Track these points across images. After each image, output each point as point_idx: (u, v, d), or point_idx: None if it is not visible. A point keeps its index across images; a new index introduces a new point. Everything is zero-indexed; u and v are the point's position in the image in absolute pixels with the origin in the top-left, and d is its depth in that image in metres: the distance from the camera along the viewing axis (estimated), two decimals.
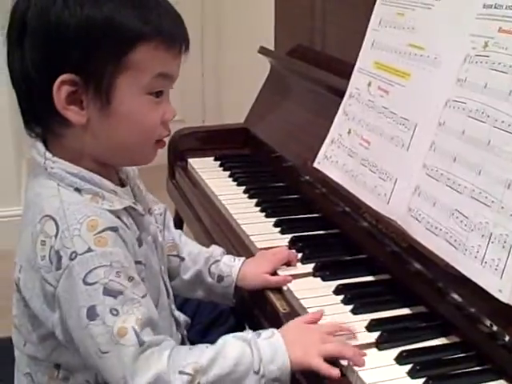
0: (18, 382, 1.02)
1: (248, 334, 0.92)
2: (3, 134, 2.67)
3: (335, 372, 0.89)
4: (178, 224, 1.64)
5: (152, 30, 0.89)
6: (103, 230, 0.87)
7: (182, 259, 1.18)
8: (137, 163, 1.01)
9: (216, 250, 1.21)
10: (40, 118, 0.92)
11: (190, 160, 1.74)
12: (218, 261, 1.18)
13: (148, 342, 0.85)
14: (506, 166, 0.89)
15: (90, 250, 0.86)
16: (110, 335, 0.84)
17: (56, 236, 0.87)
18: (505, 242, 0.87)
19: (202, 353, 0.88)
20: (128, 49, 0.88)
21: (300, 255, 1.21)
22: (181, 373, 0.85)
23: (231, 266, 1.17)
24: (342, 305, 1.05)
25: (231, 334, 0.92)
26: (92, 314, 0.85)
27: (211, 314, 1.27)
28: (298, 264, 1.19)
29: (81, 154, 0.93)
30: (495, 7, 0.99)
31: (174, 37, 0.93)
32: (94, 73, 0.88)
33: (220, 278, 1.16)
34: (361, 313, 1.02)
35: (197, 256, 1.18)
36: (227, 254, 1.21)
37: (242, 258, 1.19)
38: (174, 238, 1.20)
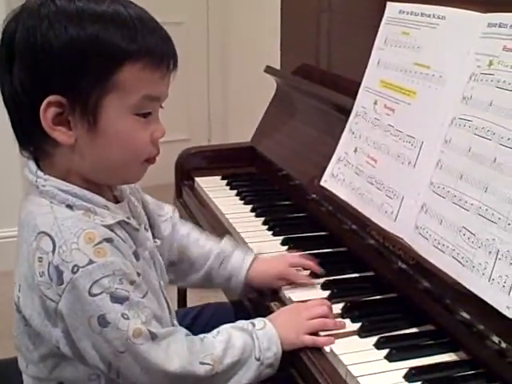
0: None
1: (243, 324, 1.01)
2: (11, 155, 2.68)
3: (323, 340, 1.00)
4: None
5: (138, 50, 0.89)
6: (100, 242, 0.89)
7: (192, 262, 1.20)
8: (125, 182, 1.02)
9: (227, 244, 1.22)
10: (31, 137, 0.93)
11: (197, 179, 1.75)
12: (228, 257, 1.19)
13: (160, 335, 0.91)
14: None
15: (91, 261, 0.87)
16: (125, 338, 0.88)
17: (53, 251, 0.87)
18: None
19: (213, 344, 0.96)
20: (113, 69, 0.88)
21: (307, 273, 1.21)
22: (202, 363, 0.93)
23: (239, 267, 1.19)
24: (349, 323, 1.04)
25: (229, 325, 1.01)
26: (103, 321, 0.87)
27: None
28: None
29: (70, 173, 0.93)
30: (500, 26, 1.00)
31: (162, 56, 0.92)
32: (80, 94, 0.88)
33: (228, 279, 1.19)
34: (369, 331, 1.01)
35: (207, 254, 1.20)
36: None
37: (251, 258, 1.20)
38: (183, 240, 1.21)
